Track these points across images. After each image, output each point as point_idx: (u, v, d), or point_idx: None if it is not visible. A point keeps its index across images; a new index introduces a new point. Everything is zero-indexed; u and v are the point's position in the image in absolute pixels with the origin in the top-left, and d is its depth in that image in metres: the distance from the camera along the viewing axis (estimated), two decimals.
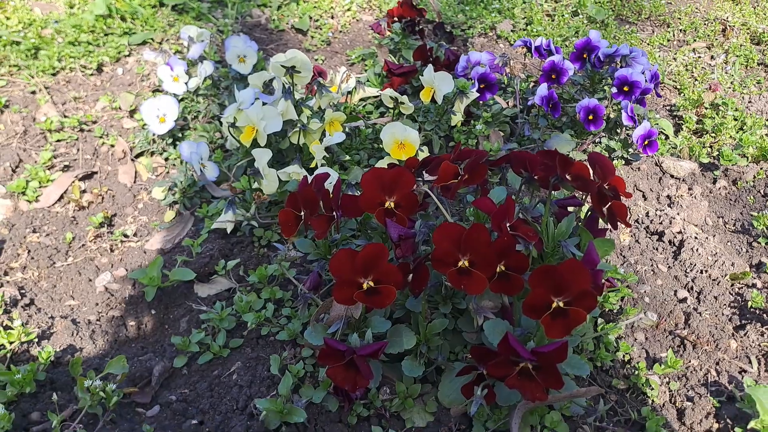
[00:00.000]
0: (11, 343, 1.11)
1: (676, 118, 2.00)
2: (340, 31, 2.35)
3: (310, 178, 1.22)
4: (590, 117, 1.63)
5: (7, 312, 1.21)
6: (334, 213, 1.13)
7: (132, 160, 1.65)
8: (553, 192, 1.11)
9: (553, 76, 1.71)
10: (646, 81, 1.72)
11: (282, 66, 1.48)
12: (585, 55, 1.75)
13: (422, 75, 1.67)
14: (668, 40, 2.42)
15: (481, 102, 1.75)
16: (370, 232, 1.20)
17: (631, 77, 1.66)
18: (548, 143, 1.64)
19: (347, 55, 2.15)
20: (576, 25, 2.39)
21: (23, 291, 1.28)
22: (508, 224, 1.00)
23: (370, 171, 1.09)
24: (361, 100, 1.80)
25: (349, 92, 1.72)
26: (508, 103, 1.87)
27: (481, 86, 1.74)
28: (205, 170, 1.47)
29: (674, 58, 2.32)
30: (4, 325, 1.18)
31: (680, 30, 2.47)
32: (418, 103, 1.72)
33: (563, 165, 1.07)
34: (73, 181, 1.55)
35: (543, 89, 1.63)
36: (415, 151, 1.46)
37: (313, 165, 1.44)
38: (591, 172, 1.13)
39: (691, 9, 2.58)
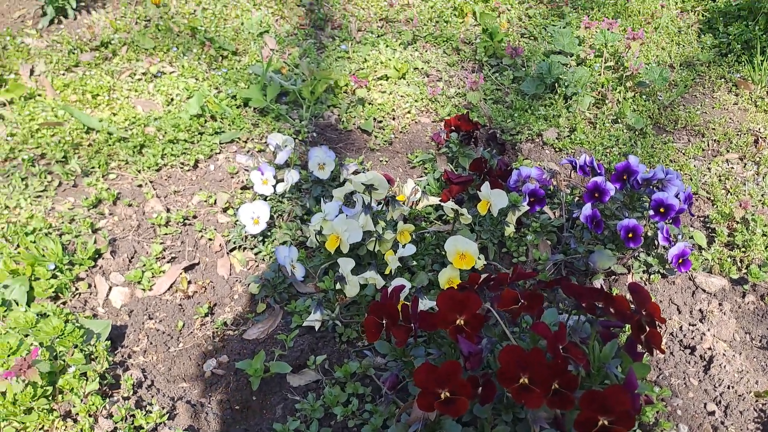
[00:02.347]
0: (147, 423, 1.34)
1: (710, 230, 2.18)
2: (401, 132, 2.61)
3: (389, 289, 1.44)
4: (630, 235, 1.83)
5: (135, 392, 1.43)
6: (412, 325, 1.34)
7: (227, 253, 1.90)
8: None
9: (596, 195, 1.93)
10: (680, 202, 1.93)
11: (363, 183, 1.74)
12: (625, 177, 1.96)
13: (478, 185, 1.91)
14: (702, 150, 2.62)
15: (531, 213, 1.97)
16: (439, 340, 1.41)
17: (666, 201, 1.86)
18: (592, 258, 1.85)
19: (408, 158, 2.40)
20: (616, 133, 2.61)
21: (145, 373, 1.51)
22: (561, 347, 1.20)
23: (445, 293, 1.30)
24: (425, 208, 2.03)
25: (416, 201, 1.96)
26: (555, 213, 2.09)
27: (531, 200, 1.97)
28: (295, 271, 1.70)
29: (708, 168, 2.52)
30: (143, 405, 1.40)
31: (714, 140, 2.67)
32: (475, 211, 1.95)
33: (606, 300, 1.27)
34: (180, 273, 1.81)
35: (587, 209, 1.85)
36: (474, 261, 1.68)
37: (387, 271, 1.67)
38: (630, 299, 1.33)
39: (725, 119, 2.79)
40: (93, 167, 2.22)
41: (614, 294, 1.30)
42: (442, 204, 1.89)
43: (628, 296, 1.35)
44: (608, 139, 2.58)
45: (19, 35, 2.90)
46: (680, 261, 1.82)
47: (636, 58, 2.92)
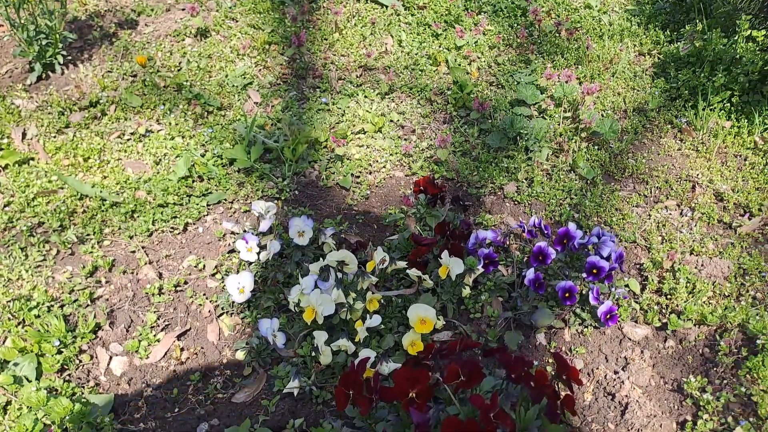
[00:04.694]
0: None
1: (643, 278, 2.48)
2: (377, 186, 2.87)
3: (356, 362, 1.72)
4: (566, 294, 2.13)
5: None
6: (374, 396, 1.62)
7: (216, 318, 2.16)
8: None
9: (541, 258, 2.22)
10: (611, 262, 2.23)
11: (335, 261, 2.01)
12: (565, 240, 2.26)
13: (442, 246, 2.20)
14: (645, 197, 2.91)
15: (486, 273, 2.26)
16: (398, 408, 1.68)
17: (598, 263, 2.16)
18: (534, 316, 2.15)
19: (382, 217, 2.67)
20: (570, 184, 2.89)
21: None
22: (491, 414, 1.48)
23: (400, 372, 1.59)
24: (393, 271, 2.31)
25: (383, 269, 2.23)
26: (507, 270, 2.37)
27: (486, 262, 2.26)
28: (276, 339, 1.97)
29: (649, 215, 2.81)
30: None
31: (656, 187, 2.96)
32: (437, 273, 2.23)
33: (527, 376, 1.57)
34: (174, 341, 2.06)
35: (531, 273, 2.14)
36: (433, 326, 1.96)
37: (357, 339, 1.94)
38: (556, 365, 1.63)
39: (668, 166, 3.08)
40: (88, 234, 2.46)
41: (535, 369, 1.59)
42: (408, 272, 2.17)
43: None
44: (561, 192, 2.86)
45: (9, 95, 3.12)
46: (608, 317, 2.12)
47: (591, 110, 3.20)
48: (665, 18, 4.21)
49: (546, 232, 2.37)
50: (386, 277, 2.27)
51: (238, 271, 2.27)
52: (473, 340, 1.75)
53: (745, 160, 3.08)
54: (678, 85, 3.50)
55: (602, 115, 3.35)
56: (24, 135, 2.89)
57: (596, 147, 3.12)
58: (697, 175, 2.99)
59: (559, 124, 3.25)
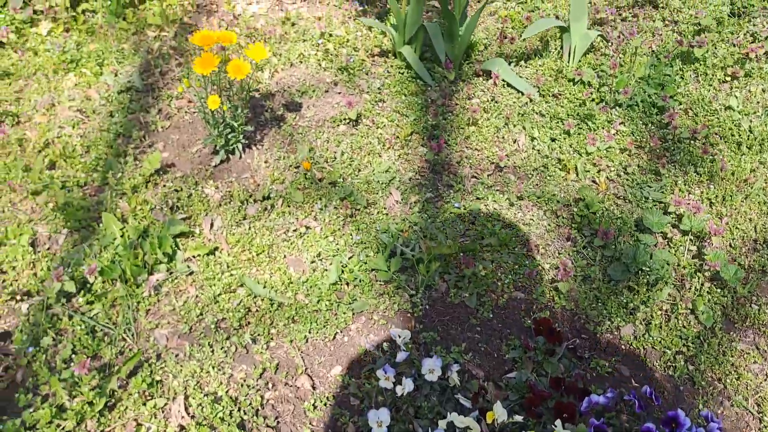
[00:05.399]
0: None
1: None
2: (499, 307, 3.18)
3: None
4: None
5: None
6: None
7: None
8: None
9: None
10: None
11: (462, 426, 2.37)
12: (673, 425, 2.48)
13: (557, 401, 2.50)
14: (764, 352, 3.02)
15: None
16: None
17: None
18: None
19: (503, 351, 2.99)
20: (687, 332, 3.04)
21: None
22: None
23: None
24: (511, 422, 2.64)
25: (504, 421, 2.56)
26: None
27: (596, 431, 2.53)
28: None
29: (766, 377, 2.92)
30: None
31: None
32: (551, 427, 2.53)
33: None
34: None
35: None
36: None
37: None
38: None
39: None
40: (259, 334, 2.96)
41: None
42: (523, 421, 2.49)
43: None
44: (678, 339, 3.02)
45: (200, 182, 3.69)
46: None
47: (717, 253, 3.30)
48: None
49: (656, 403, 2.59)
50: (503, 428, 2.60)
51: (376, 397, 2.68)
52: None
53: None
54: None
55: (728, 253, 3.44)
56: (212, 225, 3.43)
57: (718, 288, 3.23)
58: None
59: (683, 255, 3.39)
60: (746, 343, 3.06)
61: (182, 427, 2.54)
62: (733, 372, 2.92)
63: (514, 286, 3.26)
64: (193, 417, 2.59)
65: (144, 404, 2.61)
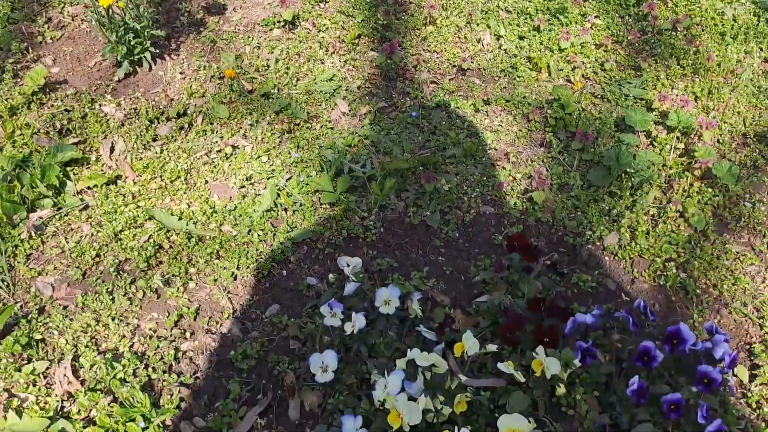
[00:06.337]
0: None
1: (753, 364, 2.21)
2: (465, 224, 2.64)
3: None
4: (672, 407, 1.90)
5: None
6: None
7: (298, 391, 2.06)
8: None
9: (645, 359, 1.99)
10: (723, 365, 1.98)
11: (425, 363, 1.85)
12: (675, 341, 2.00)
13: (537, 330, 2.01)
14: (760, 253, 2.57)
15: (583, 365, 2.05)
16: None
17: (710, 374, 1.90)
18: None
19: (471, 274, 2.46)
20: (677, 237, 2.57)
21: None
22: None
23: None
24: (483, 353, 2.13)
25: (476, 353, 2.05)
26: (605, 357, 2.15)
27: (584, 355, 2.04)
28: None
29: (764, 279, 2.49)
30: None
31: None
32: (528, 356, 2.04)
33: None
34: (256, 418, 1.98)
35: (634, 384, 1.91)
36: None
37: None
38: None
39: None
40: (173, 275, 2.36)
41: None
42: (498, 365, 1.98)
43: None
44: (667, 246, 2.54)
45: (97, 99, 2.99)
46: None
47: (708, 149, 2.80)
48: None
49: (651, 318, 2.13)
50: (474, 359, 2.10)
51: (320, 338, 2.14)
52: None
53: None
54: None
55: (717, 149, 2.96)
56: (112, 149, 2.78)
57: (709, 188, 2.76)
58: None
59: (669, 154, 2.90)
60: (741, 245, 2.61)
61: (69, 395, 1.96)
62: (728, 277, 2.47)
63: (482, 201, 2.72)
64: (83, 382, 2.01)
65: (18, 370, 2.00)
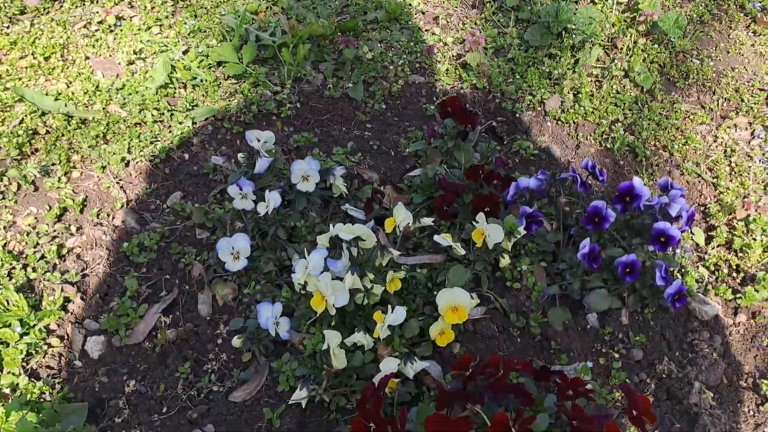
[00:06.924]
0: None
1: (709, 225, 2.06)
2: (393, 96, 2.33)
3: (377, 382, 1.37)
4: (627, 270, 1.71)
5: None
6: None
7: (208, 284, 1.77)
8: None
9: (596, 220, 1.78)
10: (681, 223, 1.80)
11: (350, 237, 1.57)
12: (627, 199, 1.80)
13: (476, 198, 1.77)
14: (711, 111, 2.39)
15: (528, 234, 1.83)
16: None
17: (668, 231, 1.72)
18: (587, 299, 1.75)
19: (402, 146, 2.17)
20: (623, 97, 2.35)
21: None
22: None
23: (433, 420, 1.24)
24: (418, 229, 1.88)
25: (407, 225, 1.79)
26: (552, 225, 1.94)
27: (528, 221, 1.82)
28: (279, 328, 1.59)
29: (715, 137, 2.31)
30: None
31: (724, 99, 2.43)
32: (467, 230, 1.80)
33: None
34: (159, 316, 1.69)
35: (585, 247, 1.70)
36: (467, 315, 1.58)
37: (376, 335, 1.56)
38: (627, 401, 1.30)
39: (738, 71, 2.51)
40: (53, 163, 1.98)
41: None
42: (435, 238, 1.73)
43: None
44: (613, 107, 2.32)
45: None
46: (676, 298, 1.72)
47: (651, 0, 2.55)
48: None
49: (601, 178, 1.91)
50: (408, 236, 1.85)
51: (231, 223, 1.83)
52: (519, 362, 1.38)
53: None
54: None
55: (663, 4, 2.70)
56: None
57: (655, 44, 2.53)
58: None
59: (611, 9, 2.63)
60: (690, 103, 2.42)
61: None
62: (679, 137, 2.29)
63: (410, 69, 2.41)
64: None
65: None
